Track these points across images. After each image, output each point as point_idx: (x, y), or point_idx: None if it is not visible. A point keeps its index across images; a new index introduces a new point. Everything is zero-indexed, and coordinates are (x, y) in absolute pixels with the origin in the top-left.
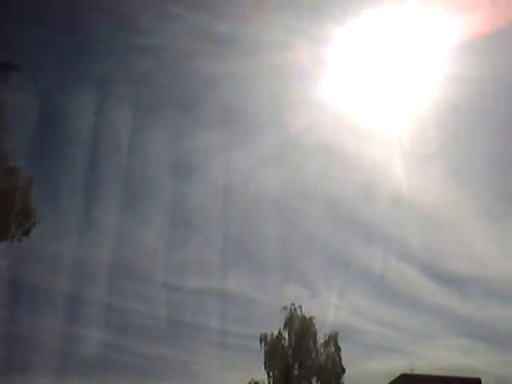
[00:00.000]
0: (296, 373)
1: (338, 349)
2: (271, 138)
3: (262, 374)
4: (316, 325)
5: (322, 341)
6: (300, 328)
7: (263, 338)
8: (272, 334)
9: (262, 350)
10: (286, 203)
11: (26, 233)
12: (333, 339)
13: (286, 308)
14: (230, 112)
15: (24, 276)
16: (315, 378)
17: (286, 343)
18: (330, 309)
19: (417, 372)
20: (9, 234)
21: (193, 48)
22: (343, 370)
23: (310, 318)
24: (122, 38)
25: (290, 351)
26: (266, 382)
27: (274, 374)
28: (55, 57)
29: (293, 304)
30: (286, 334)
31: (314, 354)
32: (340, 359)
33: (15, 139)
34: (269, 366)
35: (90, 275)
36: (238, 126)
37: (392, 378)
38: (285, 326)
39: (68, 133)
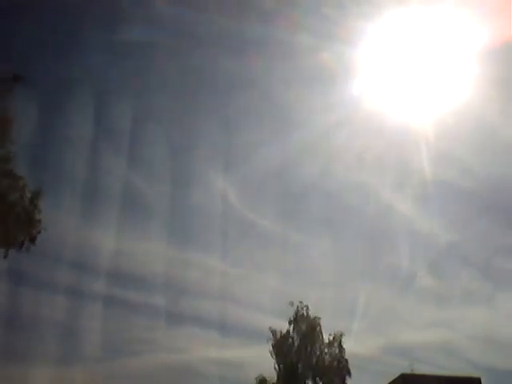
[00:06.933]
0: (300, 371)
1: (341, 350)
2: (299, 138)
3: None
4: None
5: (327, 341)
6: (306, 328)
7: (272, 334)
8: (281, 332)
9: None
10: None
11: (33, 240)
12: (337, 340)
13: (292, 304)
14: (257, 113)
15: None
16: (319, 378)
17: (293, 342)
18: None
19: (417, 372)
20: (11, 237)
21: (222, 50)
22: (349, 372)
23: (316, 318)
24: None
25: (295, 350)
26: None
27: (280, 369)
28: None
29: (301, 302)
30: (291, 332)
31: (318, 354)
32: (346, 361)
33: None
34: (277, 361)
35: None
36: (265, 127)
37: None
38: (290, 323)
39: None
